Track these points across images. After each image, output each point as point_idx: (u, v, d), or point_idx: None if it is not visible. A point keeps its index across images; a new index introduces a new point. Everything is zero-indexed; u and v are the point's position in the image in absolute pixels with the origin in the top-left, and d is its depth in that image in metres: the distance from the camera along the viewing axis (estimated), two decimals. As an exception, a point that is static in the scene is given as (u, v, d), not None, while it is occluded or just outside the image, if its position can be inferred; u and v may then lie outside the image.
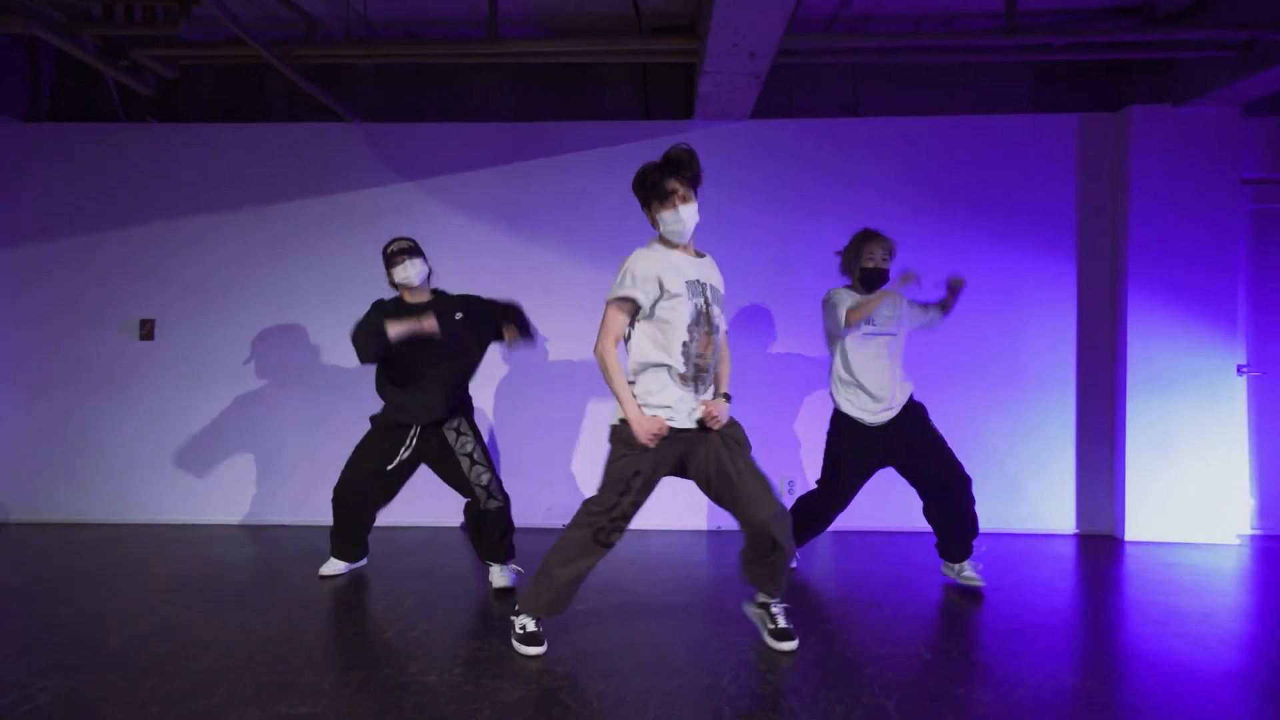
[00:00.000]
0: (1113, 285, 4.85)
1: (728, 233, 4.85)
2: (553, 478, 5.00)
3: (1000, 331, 4.88)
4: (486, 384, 4.99)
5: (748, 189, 4.97)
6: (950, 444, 3.68)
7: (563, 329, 4.97)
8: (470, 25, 4.73)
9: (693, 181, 2.79)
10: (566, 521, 3.10)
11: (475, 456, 3.61)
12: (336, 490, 3.79)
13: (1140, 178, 4.67)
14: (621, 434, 2.78)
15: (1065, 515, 4.88)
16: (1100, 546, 4.58)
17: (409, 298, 3.69)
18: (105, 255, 5.07)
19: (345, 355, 5.05)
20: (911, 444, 3.64)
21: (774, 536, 2.74)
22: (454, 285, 4.94)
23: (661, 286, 2.73)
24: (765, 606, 2.96)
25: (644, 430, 2.70)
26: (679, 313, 2.74)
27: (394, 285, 3.71)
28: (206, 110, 5.24)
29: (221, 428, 5.06)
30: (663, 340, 2.76)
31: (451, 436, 3.63)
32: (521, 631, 2.88)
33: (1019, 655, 2.89)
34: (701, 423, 2.79)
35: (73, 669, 2.70)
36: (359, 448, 3.77)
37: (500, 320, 3.68)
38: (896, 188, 4.91)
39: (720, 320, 2.85)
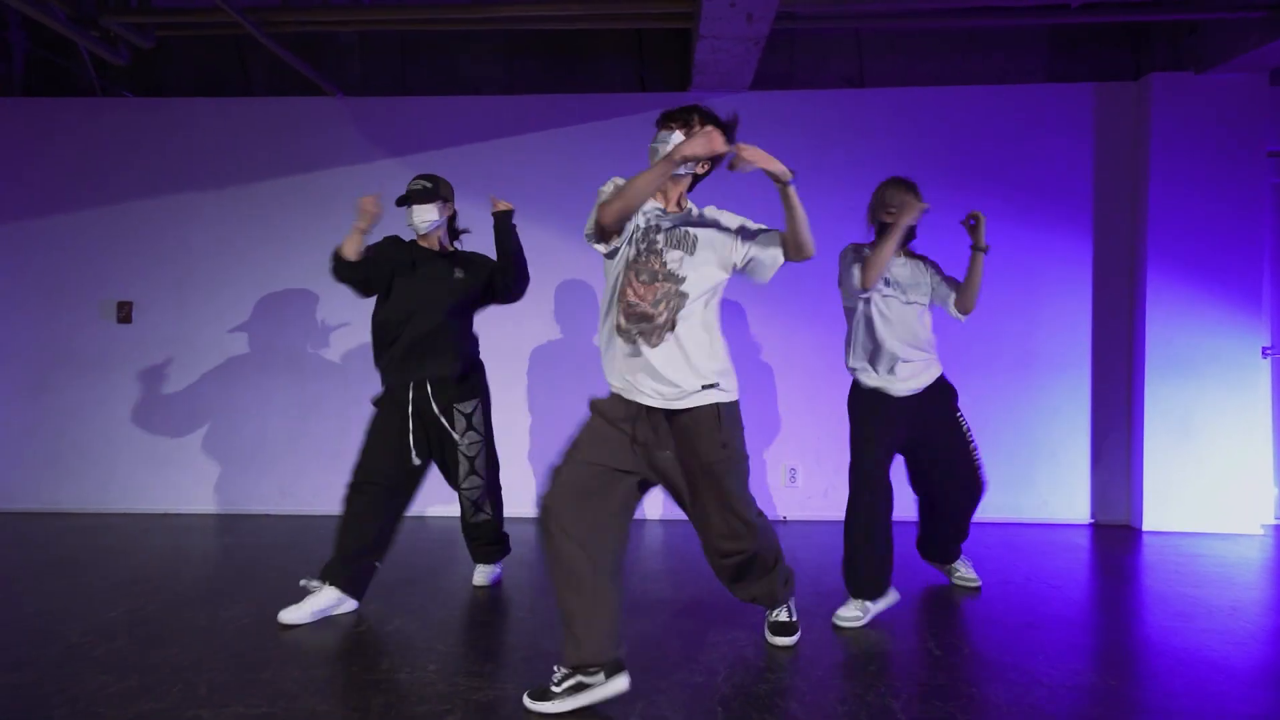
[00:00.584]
0: (1131, 264, 4.63)
1: (726, 205, 4.63)
2: (542, 468, 4.81)
3: (1012, 312, 4.67)
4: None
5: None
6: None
7: (557, 309, 4.77)
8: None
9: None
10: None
11: (476, 464, 3.28)
12: (353, 478, 3.23)
13: (1161, 150, 4.44)
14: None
15: (1080, 504, 4.67)
16: (1117, 537, 4.38)
17: (420, 242, 3.34)
18: (80, 235, 4.89)
19: (332, 338, 4.86)
20: (930, 427, 3.20)
21: (733, 571, 2.57)
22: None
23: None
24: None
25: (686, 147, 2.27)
26: (615, 263, 2.45)
27: (408, 226, 3.34)
28: (186, 84, 5.05)
29: (203, 414, 4.88)
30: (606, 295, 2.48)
31: (461, 425, 3.27)
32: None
33: (1034, 652, 2.69)
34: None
35: (25, 664, 2.53)
36: (369, 433, 3.28)
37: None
38: (902, 162, 4.66)
39: (676, 267, 2.41)
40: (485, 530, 3.39)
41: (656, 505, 4.71)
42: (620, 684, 2.24)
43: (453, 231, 3.44)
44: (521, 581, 3.49)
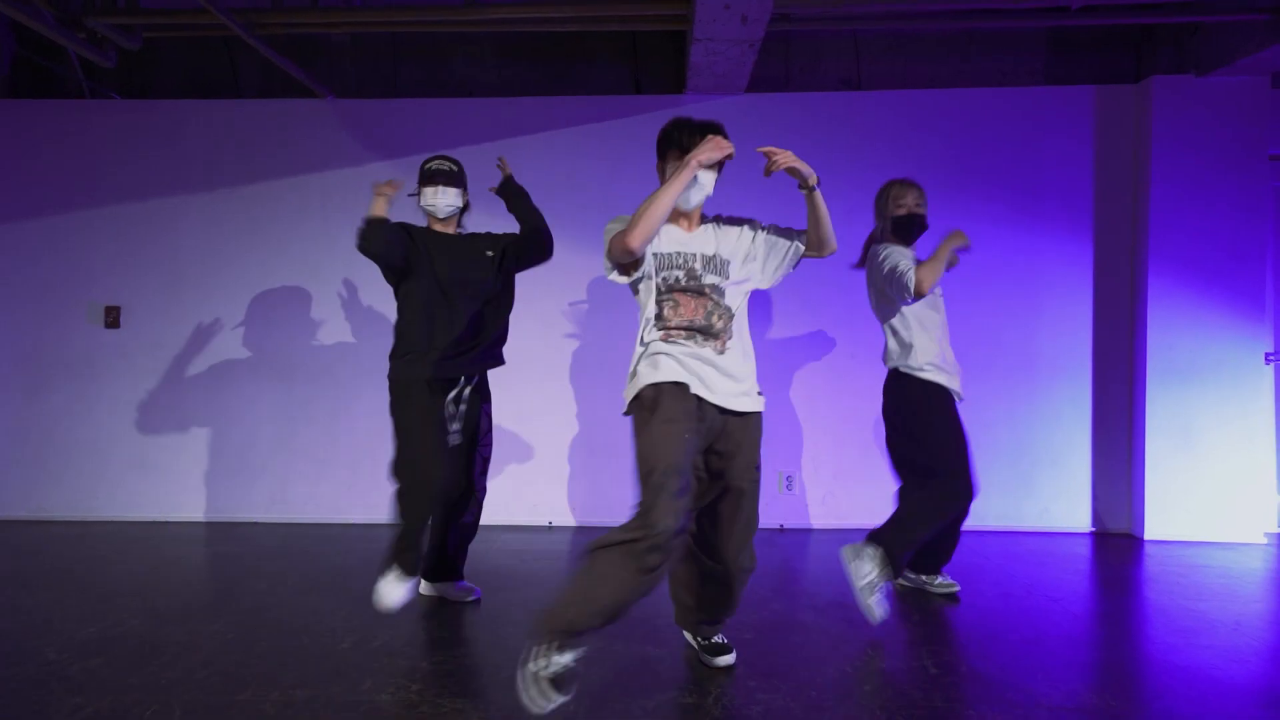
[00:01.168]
0: (1132, 269, 4.56)
1: (722, 213, 4.57)
2: (536, 475, 4.75)
3: (1011, 318, 4.60)
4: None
5: (742, 167, 4.65)
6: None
7: (552, 313, 4.71)
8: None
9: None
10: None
11: (486, 468, 3.26)
12: (398, 481, 3.04)
13: (1162, 154, 4.38)
14: (637, 409, 2.41)
15: (1081, 512, 4.61)
16: (1118, 546, 4.31)
17: (435, 226, 3.22)
18: (68, 238, 4.83)
19: (322, 344, 4.80)
20: None
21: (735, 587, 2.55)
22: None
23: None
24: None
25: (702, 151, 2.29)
26: (647, 290, 2.46)
27: (422, 208, 3.24)
28: (176, 86, 4.99)
29: (191, 420, 4.81)
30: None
31: (485, 424, 3.20)
32: None
33: (1034, 670, 2.62)
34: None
35: (-3, 684, 2.46)
36: (400, 425, 3.05)
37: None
38: (900, 165, 4.61)
39: (714, 290, 2.45)
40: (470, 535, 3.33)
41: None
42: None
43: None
44: (508, 597, 3.42)
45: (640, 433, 2.33)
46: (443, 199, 3.14)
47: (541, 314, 4.67)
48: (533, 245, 3.24)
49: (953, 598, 3.36)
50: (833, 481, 4.65)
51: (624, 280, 2.45)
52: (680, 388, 2.34)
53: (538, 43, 4.84)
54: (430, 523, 3.04)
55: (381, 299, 4.75)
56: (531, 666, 2.16)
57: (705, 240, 2.52)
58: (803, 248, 2.56)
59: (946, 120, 4.62)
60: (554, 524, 4.73)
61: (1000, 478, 4.57)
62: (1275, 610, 3.26)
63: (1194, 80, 4.36)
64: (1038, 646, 2.84)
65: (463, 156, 4.73)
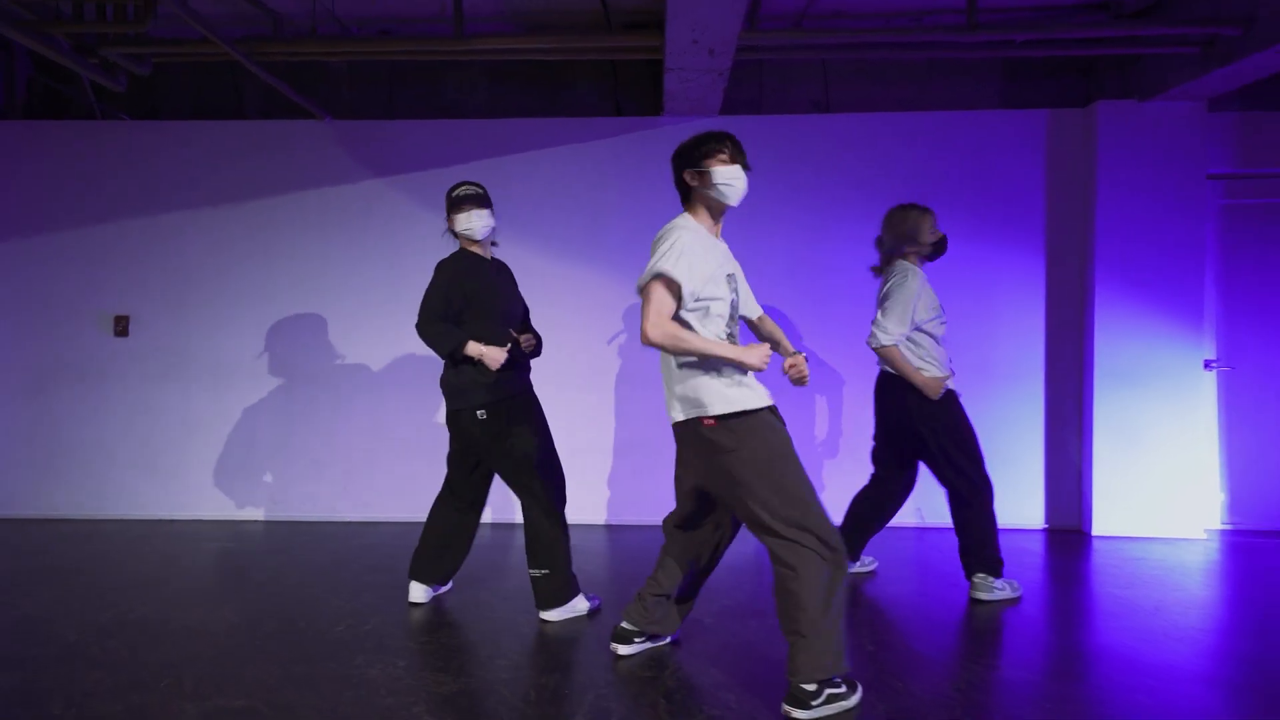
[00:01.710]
0: (1081, 280, 4.85)
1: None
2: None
3: (969, 327, 4.88)
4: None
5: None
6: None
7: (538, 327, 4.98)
8: (440, 22, 4.75)
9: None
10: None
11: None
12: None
13: (1107, 173, 4.67)
14: (745, 420, 2.54)
15: (1034, 510, 4.89)
16: (1067, 541, 4.59)
17: (473, 249, 3.34)
18: (80, 251, 5.10)
19: (319, 350, 5.08)
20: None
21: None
22: (422, 283, 4.97)
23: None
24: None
25: (756, 355, 2.52)
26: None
27: (454, 234, 3.36)
28: (182, 108, 5.27)
29: (196, 423, 5.09)
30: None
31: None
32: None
33: (962, 648, 2.90)
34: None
35: (25, 662, 2.74)
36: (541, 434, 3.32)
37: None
38: (866, 183, 4.91)
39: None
40: None
41: (635, 510, 4.93)
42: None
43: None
44: (484, 587, 3.69)
45: (758, 443, 2.51)
46: (479, 221, 3.26)
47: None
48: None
49: (873, 574, 3.84)
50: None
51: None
52: (773, 411, 2.63)
53: (525, 69, 5.13)
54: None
55: (374, 309, 5.03)
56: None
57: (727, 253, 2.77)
58: None
59: (909, 141, 4.91)
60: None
61: (959, 478, 4.84)
62: (1193, 597, 3.54)
63: (1136, 105, 4.65)
64: (968, 628, 3.12)
65: (454, 175, 5.06)
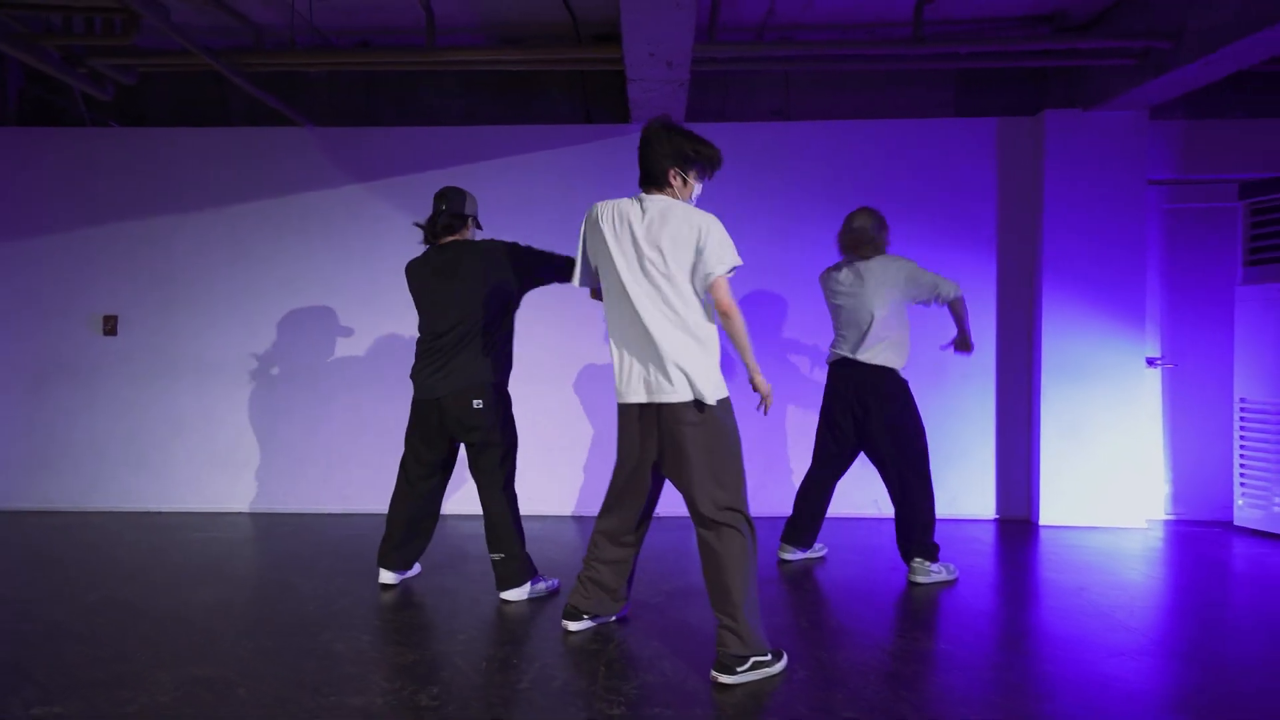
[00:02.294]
0: (1030, 281, 5.07)
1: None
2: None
3: (924, 326, 5.07)
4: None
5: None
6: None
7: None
8: (417, 33, 4.95)
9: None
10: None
11: None
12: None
13: (1054, 179, 4.89)
14: (726, 406, 2.76)
15: (986, 501, 5.11)
16: (1014, 530, 4.81)
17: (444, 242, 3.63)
18: (70, 253, 5.30)
19: (301, 348, 5.27)
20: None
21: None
22: (400, 284, 5.17)
23: None
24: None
25: (765, 385, 2.91)
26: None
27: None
28: (169, 115, 5.47)
29: (182, 419, 5.29)
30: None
31: None
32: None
33: (892, 624, 3.11)
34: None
35: (14, 638, 2.94)
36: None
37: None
38: (826, 189, 5.12)
39: None
40: None
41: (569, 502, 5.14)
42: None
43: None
44: (450, 571, 3.90)
45: (732, 431, 2.74)
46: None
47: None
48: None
49: (823, 560, 4.08)
50: (763, 474, 5.13)
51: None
52: None
53: (498, 78, 5.33)
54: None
55: (354, 309, 5.24)
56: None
57: None
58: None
59: (868, 147, 5.12)
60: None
61: (914, 470, 5.06)
62: (1115, 580, 3.75)
63: (1081, 114, 4.86)
64: (901, 608, 3.33)
65: (429, 180, 5.27)
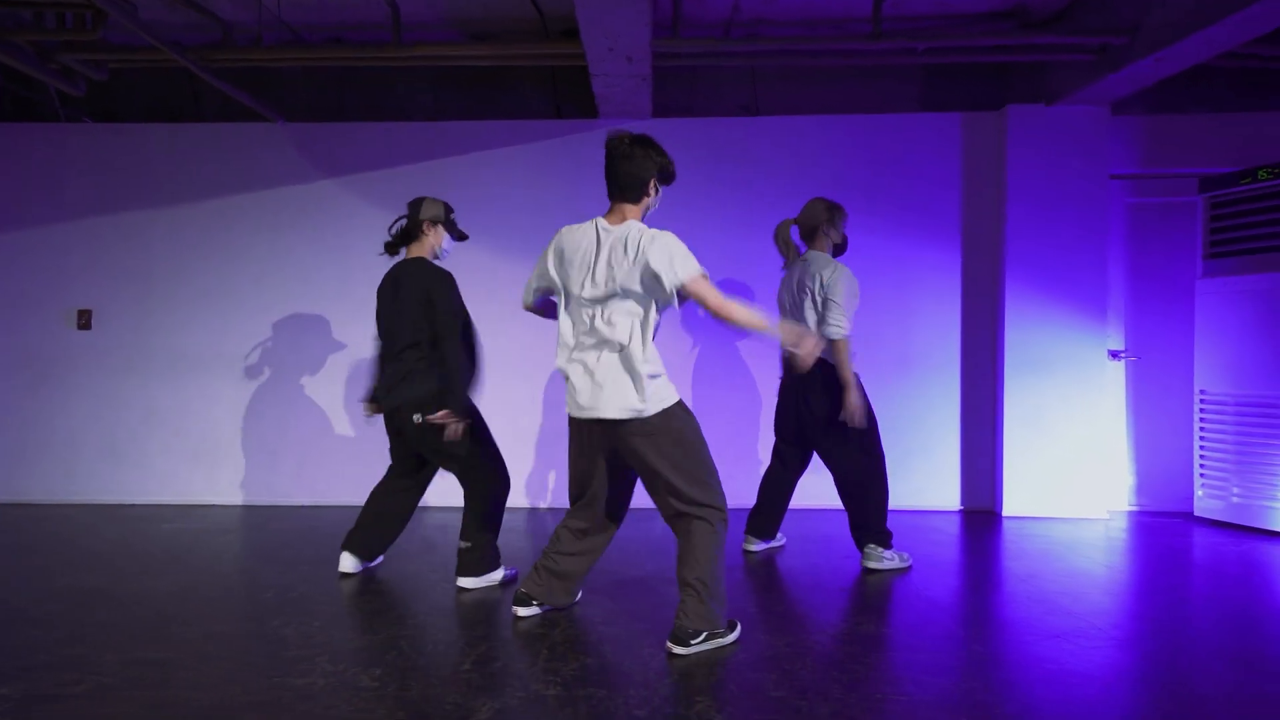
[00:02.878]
0: (994, 274, 5.12)
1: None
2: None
3: (889, 319, 5.15)
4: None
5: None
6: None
7: (480, 325, 5.22)
8: (387, 29, 4.99)
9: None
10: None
11: None
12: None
13: (1016, 173, 4.94)
14: (676, 411, 2.83)
15: (950, 493, 5.16)
16: (977, 521, 4.86)
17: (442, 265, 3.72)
18: (44, 248, 5.35)
19: (274, 343, 5.32)
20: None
21: None
22: (373, 279, 5.22)
23: None
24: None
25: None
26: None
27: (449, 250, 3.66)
28: (143, 111, 5.51)
29: (156, 414, 5.33)
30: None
31: None
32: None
33: (841, 608, 3.16)
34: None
35: (-29, 624, 2.99)
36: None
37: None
38: (793, 183, 5.17)
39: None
40: None
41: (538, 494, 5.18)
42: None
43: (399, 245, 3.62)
44: (415, 560, 3.95)
45: (693, 432, 2.84)
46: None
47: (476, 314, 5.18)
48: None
49: (781, 549, 4.16)
50: (734, 466, 5.18)
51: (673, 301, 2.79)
52: None
53: (469, 73, 5.38)
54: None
55: (327, 306, 5.28)
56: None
57: None
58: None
59: (834, 142, 5.17)
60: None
61: (880, 462, 5.11)
62: (1067, 568, 3.80)
63: (1043, 109, 4.91)
64: (851, 595, 3.38)
65: (400, 175, 5.32)
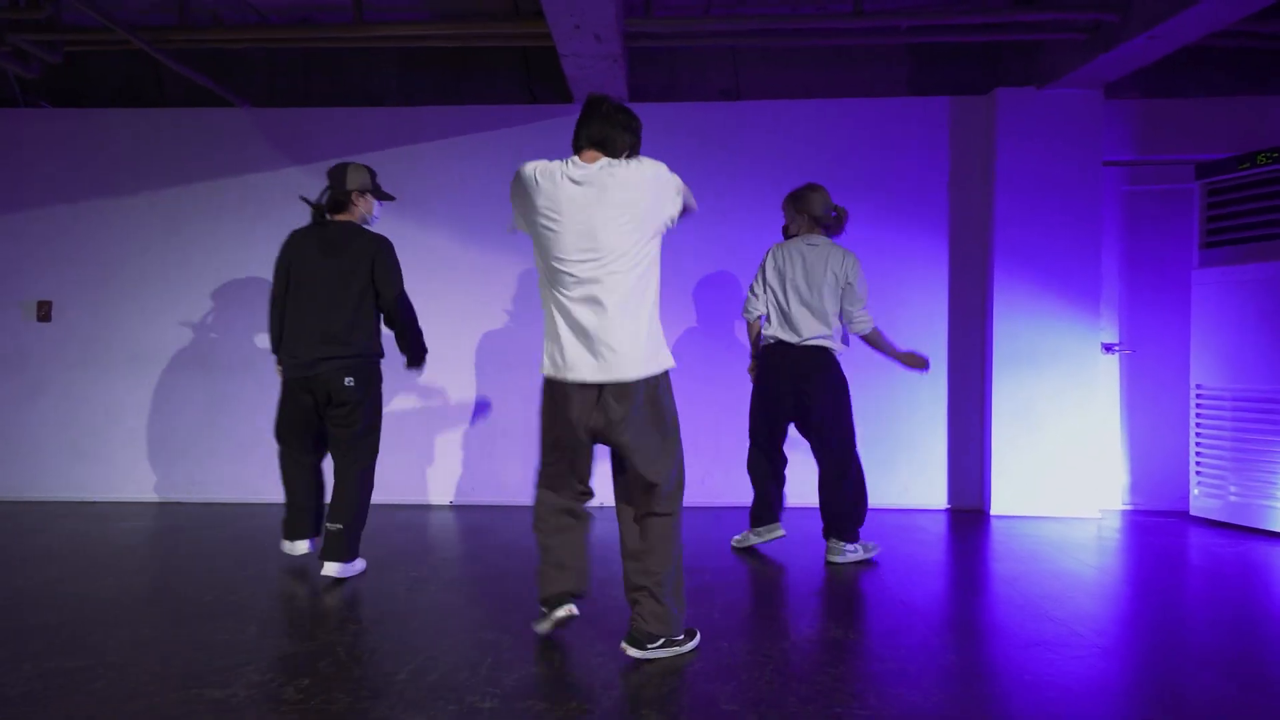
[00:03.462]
0: (983, 265, 4.93)
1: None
2: (438, 457, 5.11)
3: (875, 311, 4.91)
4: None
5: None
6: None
7: (449, 313, 5.06)
8: (351, 11, 4.81)
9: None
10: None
11: None
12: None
13: (1006, 159, 4.75)
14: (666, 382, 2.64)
15: (938, 491, 4.98)
16: (964, 520, 4.68)
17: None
18: (1, 237, 5.18)
19: (239, 335, 5.15)
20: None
21: None
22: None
23: None
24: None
25: None
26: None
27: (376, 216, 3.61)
28: (106, 95, 5.34)
29: (119, 407, 5.16)
30: None
31: None
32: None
33: (814, 611, 2.99)
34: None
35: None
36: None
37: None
38: (776, 169, 4.98)
39: None
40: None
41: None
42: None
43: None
44: (382, 568, 3.79)
45: (671, 401, 2.63)
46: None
47: (445, 302, 5.02)
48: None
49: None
50: (711, 463, 5.00)
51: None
52: None
53: (439, 56, 5.19)
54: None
55: (293, 294, 5.11)
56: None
57: None
58: None
59: (818, 127, 4.98)
60: (454, 503, 5.09)
61: (865, 459, 4.92)
62: (1054, 569, 3.62)
63: (1035, 92, 4.72)
64: (827, 595, 3.20)
65: (368, 161, 5.14)
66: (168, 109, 5.22)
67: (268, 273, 5.12)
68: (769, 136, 5.00)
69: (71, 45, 4.68)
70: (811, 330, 3.68)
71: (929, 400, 4.97)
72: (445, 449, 5.11)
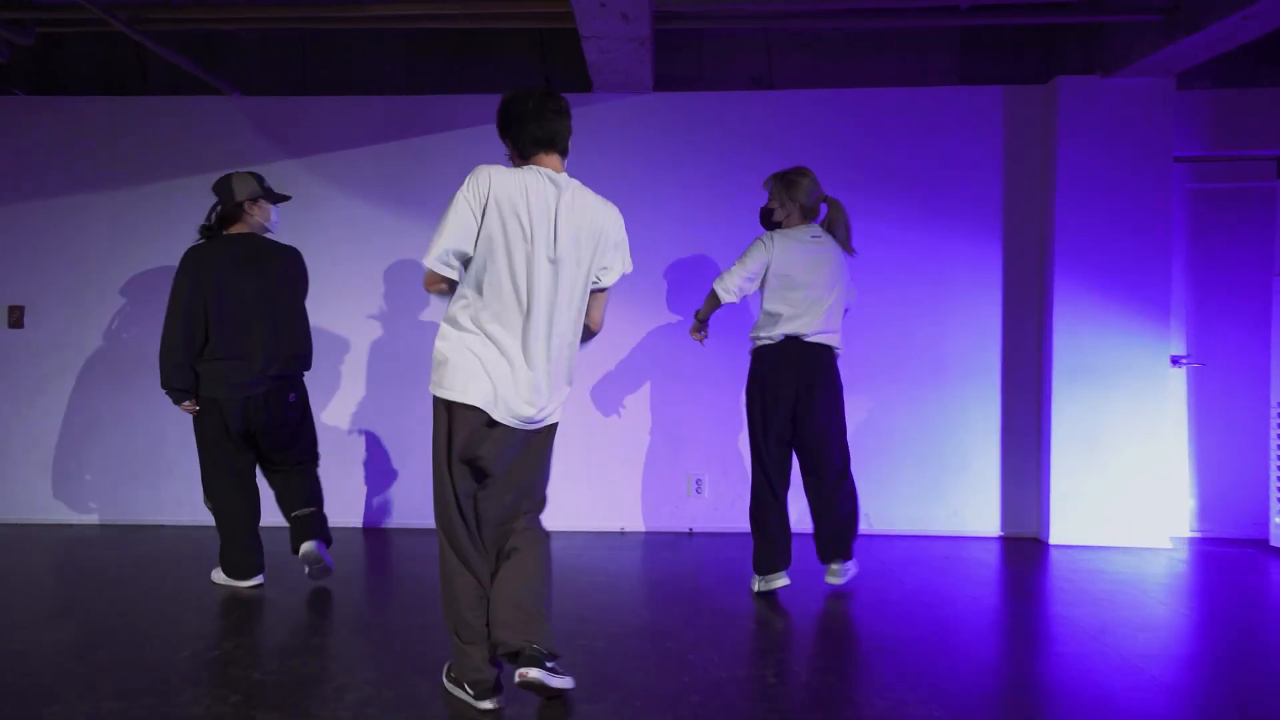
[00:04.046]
0: (1040, 270, 4.53)
1: (629, 213, 4.51)
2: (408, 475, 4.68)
3: (921, 318, 4.56)
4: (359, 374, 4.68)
5: (651, 167, 4.65)
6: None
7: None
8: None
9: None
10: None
11: None
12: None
13: (1067, 154, 4.34)
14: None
15: (990, 517, 4.57)
16: (1022, 550, 4.28)
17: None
18: (-31, 237, 4.77)
19: (225, 344, 4.74)
20: None
21: None
22: (337, 271, 4.66)
23: None
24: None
25: None
26: None
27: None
28: (86, 82, 4.93)
29: (96, 421, 4.76)
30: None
31: None
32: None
33: (868, 678, 2.58)
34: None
35: None
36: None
37: None
38: (810, 164, 4.52)
39: None
40: None
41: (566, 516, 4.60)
42: None
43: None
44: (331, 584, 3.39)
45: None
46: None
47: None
48: None
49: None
50: (741, 484, 4.59)
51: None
52: None
53: (447, 40, 4.79)
54: None
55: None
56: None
57: None
58: None
59: (858, 118, 4.58)
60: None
61: (909, 481, 4.53)
62: (1148, 617, 3.21)
63: (1099, 81, 4.32)
64: (887, 654, 2.79)
65: (367, 155, 4.75)
66: (148, 97, 4.81)
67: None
68: (805, 129, 4.60)
69: (44, 26, 4.27)
70: (819, 327, 3.39)
71: (980, 417, 4.56)
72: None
